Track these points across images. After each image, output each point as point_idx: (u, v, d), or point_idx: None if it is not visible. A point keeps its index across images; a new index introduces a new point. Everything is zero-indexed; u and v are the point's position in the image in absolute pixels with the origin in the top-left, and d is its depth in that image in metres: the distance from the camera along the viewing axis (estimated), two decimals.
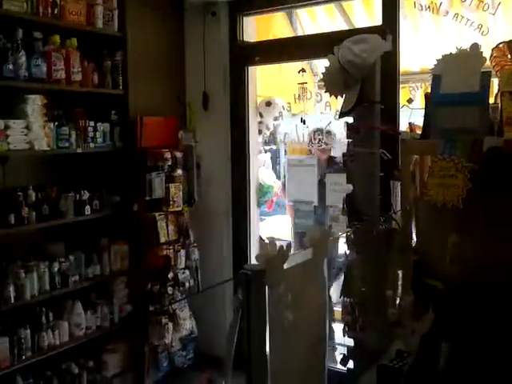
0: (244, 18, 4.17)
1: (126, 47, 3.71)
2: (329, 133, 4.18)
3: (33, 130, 3.16)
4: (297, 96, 4.24)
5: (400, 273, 1.74)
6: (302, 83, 4.20)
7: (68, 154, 3.49)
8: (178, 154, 3.94)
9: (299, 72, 4.17)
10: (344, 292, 1.75)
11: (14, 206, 3.14)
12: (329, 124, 4.18)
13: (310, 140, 4.25)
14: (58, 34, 3.31)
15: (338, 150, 4.07)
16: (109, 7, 3.62)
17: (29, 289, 3.18)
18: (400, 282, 1.75)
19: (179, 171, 3.93)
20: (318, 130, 4.23)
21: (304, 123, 4.23)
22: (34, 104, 3.20)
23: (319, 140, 4.23)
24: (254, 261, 1.62)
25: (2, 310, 3.08)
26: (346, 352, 1.84)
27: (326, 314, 1.42)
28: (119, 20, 3.68)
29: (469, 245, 1.50)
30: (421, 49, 4.29)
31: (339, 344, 2.18)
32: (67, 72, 3.34)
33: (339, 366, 2.07)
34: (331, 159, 4.27)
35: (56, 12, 3.28)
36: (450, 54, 1.85)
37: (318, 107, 4.28)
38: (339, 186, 4.02)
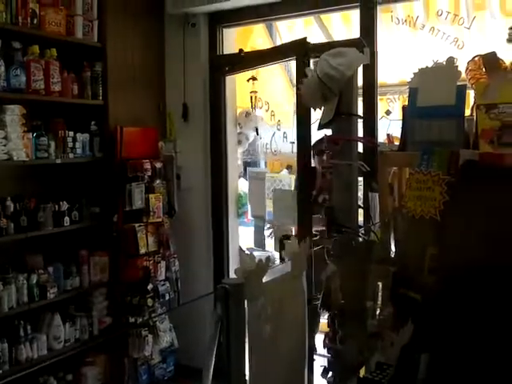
0: (224, 29, 4.19)
1: (105, 58, 3.71)
2: None
3: (11, 140, 3.14)
4: (252, 105, 4.23)
5: (379, 284, 1.75)
6: (253, 92, 4.20)
7: (47, 165, 3.46)
8: (158, 165, 3.92)
9: (248, 80, 4.15)
10: (323, 304, 1.76)
11: None
12: (273, 135, 4.15)
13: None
14: (37, 45, 3.30)
15: None
16: (89, 18, 3.62)
17: (7, 301, 3.14)
18: (379, 294, 1.77)
19: (159, 182, 3.92)
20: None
21: (257, 134, 4.24)
22: (13, 114, 3.18)
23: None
24: (233, 272, 1.62)
25: None
26: (325, 364, 1.85)
27: (305, 327, 1.42)
28: (99, 31, 3.68)
29: (446, 256, 1.52)
30: (398, 61, 4.35)
31: (320, 355, 2.20)
32: (46, 82, 3.33)
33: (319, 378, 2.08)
34: None
35: (35, 22, 3.27)
36: (426, 67, 1.88)
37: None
38: (285, 202, 3.93)
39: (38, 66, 3.28)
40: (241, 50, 3.99)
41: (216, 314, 1.10)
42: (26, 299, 3.27)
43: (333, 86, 1.88)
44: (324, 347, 1.84)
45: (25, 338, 3.25)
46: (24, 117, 3.25)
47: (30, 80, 3.23)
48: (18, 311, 3.24)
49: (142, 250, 3.77)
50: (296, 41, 3.53)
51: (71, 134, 3.53)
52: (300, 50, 3.43)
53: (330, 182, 2.02)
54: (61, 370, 3.51)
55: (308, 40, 3.43)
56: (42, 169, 3.53)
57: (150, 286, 3.78)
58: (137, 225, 3.76)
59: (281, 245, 3.03)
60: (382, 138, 3.28)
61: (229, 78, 4.19)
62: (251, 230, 4.73)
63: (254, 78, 4.14)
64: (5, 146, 3.12)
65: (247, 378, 1.11)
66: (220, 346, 1.11)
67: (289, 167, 7.95)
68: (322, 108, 2.00)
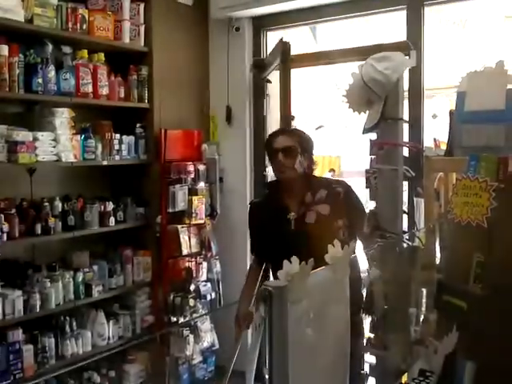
0: (267, 33, 4.22)
1: (151, 62, 3.78)
2: None
3: (60, 142, 3.24)
4: None
5: (423, 291, 1.73)
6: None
7: (94, 166, 3.55)
8: (201, 167, 3.98)
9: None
10: (366, 309, 1.74)
11: (41, 216, 3.21)
12: None
13: None
14: (86, 49, 3.39)
15: None
16: (135, 23, 3.70)
17: (54, 298, 3.24)
18: (423, 301, 1.74)
19: (202, 184, 3.97)
20: None
21: None
22: (62, 117, 3.28)
23: None
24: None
25: (28, 319, 3.14)
26: (367, 370, 1.84)
27: (348, 332, 1.42)
28: (145, 35, 3.75)
29: (493, 264, 1.49)
30: (446, 64, 4.27)
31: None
32: (94, 86, 3.42)
33: None
34: None
35: (84, 28, 3.37)
36: (475, 71, 1.84)
37: None
38: None
39: (87, 70, 3.37)
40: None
41: (259, 316, 1.11)
42: (72, 296, 3.36)
43: (378, 90, 1.87)
44: (366, 352, 1.82)
45: (70, 334, 3.35)
46: (72, 119, 3.35)
47: (78, 84, 3.32)
48: (64, 308, 3.33)
49: (185, 251, 3.82)
50: (278, 44, 3.56)
51: (117, 136, 3.61)
52: (281, 54, 3.47)
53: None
54: (104, 367, 3.60)
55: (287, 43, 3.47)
56: (89, 170, 3.63)
57: (191, 287, 3.84)
58: (180, 226, 3.82)
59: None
60: (428, 141, 3.22)
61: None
62: None
63: (268, 81, 4.14)
64: (54, 147, 3.22)
65: (290, 379, 1.11)
66: (262, 347, 1.12)
67: (331, 170, 7.91)
68: (367, 112, 1.99)
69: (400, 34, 3.48)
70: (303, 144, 2.62)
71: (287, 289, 1.13)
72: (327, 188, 2.60)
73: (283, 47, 3.45)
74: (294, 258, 1.19)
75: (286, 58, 3.44)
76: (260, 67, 4.11)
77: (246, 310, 2.58)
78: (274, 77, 3.91)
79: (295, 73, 4.00)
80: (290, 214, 2.60)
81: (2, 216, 2.99)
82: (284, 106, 3.47)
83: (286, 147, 2.57)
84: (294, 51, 3.77)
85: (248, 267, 2.99)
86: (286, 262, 1.17)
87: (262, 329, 1.11)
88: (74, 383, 3.43)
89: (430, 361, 1.49)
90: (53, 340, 3.24)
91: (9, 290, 3.07)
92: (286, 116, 3.49)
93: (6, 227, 2.99)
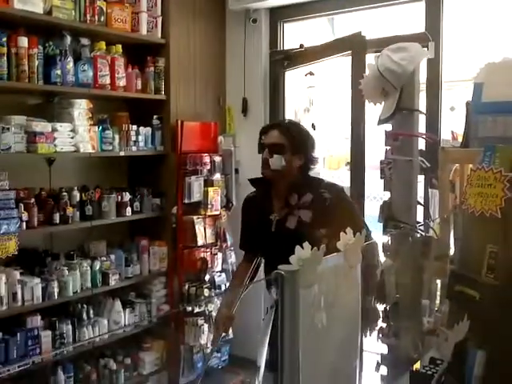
0: (284, 24, 4.22)
1: (168, 54, 3.80)
2: None
3: (79, 133, 3.28)
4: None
5: (436, 281, 1.73)
6: (310, 87, 4.16)
7: (111, 157, 3.59)
8: (217, 159, 4.00)
9: (306, 75, 4.11)
10: (378, 298, 1.75)
11: (59, 206, 3.26)
12: None
13: None
14: (103, 41, 3.42)
15: None
16: (153, 14, 3.73)
17: (71, 286, 3.29)
18: (436, 291, 1.74)
19: (218, 175, 4.00)
20: None
21: (314, 129, 4.06)
22: (80, 108, 3.32)
23: None
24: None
25: (46, 306, 3.20)
26: (379, 358, 1.84)
27: (358, 320, 1.43)
28: (163, 27, 3.77)
29: (506, 254, 1.49)
30: (467, 56, 4.22)
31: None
32: (112, 77, 3.45)
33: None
34: None
35: (102, 20, 3.39)
36: (493, 62, 1.83)
37: None
38: None
39: (104, 62, 3.40)
40: (302, 45, 3.98)
41: (271, 298, 1.12)
42: (90, 285, 3.41)
43: (394, 80, 1.86)
44: (377, 340, 1.83)
45: (87, 322, 3.40)
46: (90, 111, 3.39)
47: (96, 75, 3.36)
48: (81, 296, 3.39)
49: (200, 242, 3.86)
50: (352, 35, 3.49)
51: (134, 127, 3.64)
52: (356, 45, 3.39)
53: None
54: (120, 354, 3.65)
55: (363, 34, 3.39)
56: (107, 161, 3.68)
57: (206, 277, 3.88)
58: (195, 217, 3.85)
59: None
60: (446, 134, 3.20)
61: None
62: None
63: (311, 73, 4.12)
64: (72, 138, 3.26)
65: (300, 364, 1.13)
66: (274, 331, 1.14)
67: (348, 164, 7.86)
68: (383, 103, 1.99)
69: (419, 26, 3.45)
70: (297, 142, 2.41)
71: (299, 273, 1.15)
72: (315, 192, 2.40)
73: (359, 38, 3.38)
74: (306, 244, 1.21)
75: (361, 50, 3.35)
76: (284, 59, 4.09)
77: (226, 313, 2.47)
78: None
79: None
80: (272, 214, 2.48)
81: (22, 205, 3.03)
82: (356, 100, 3.33)
83: (274, 144, 2.41)
84: (310, 43, 3.75)
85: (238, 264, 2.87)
86: (297, 247, 1.19)
87: (273, 312, 1.13)
88: (91, 369, 3.49)
89: (441, 349, 1.49)
90: (70, 327, 3.30)
91: (28, 278, 3.13)
92: (359, 109, 3.35)
93: (25, 216, 3.04)
